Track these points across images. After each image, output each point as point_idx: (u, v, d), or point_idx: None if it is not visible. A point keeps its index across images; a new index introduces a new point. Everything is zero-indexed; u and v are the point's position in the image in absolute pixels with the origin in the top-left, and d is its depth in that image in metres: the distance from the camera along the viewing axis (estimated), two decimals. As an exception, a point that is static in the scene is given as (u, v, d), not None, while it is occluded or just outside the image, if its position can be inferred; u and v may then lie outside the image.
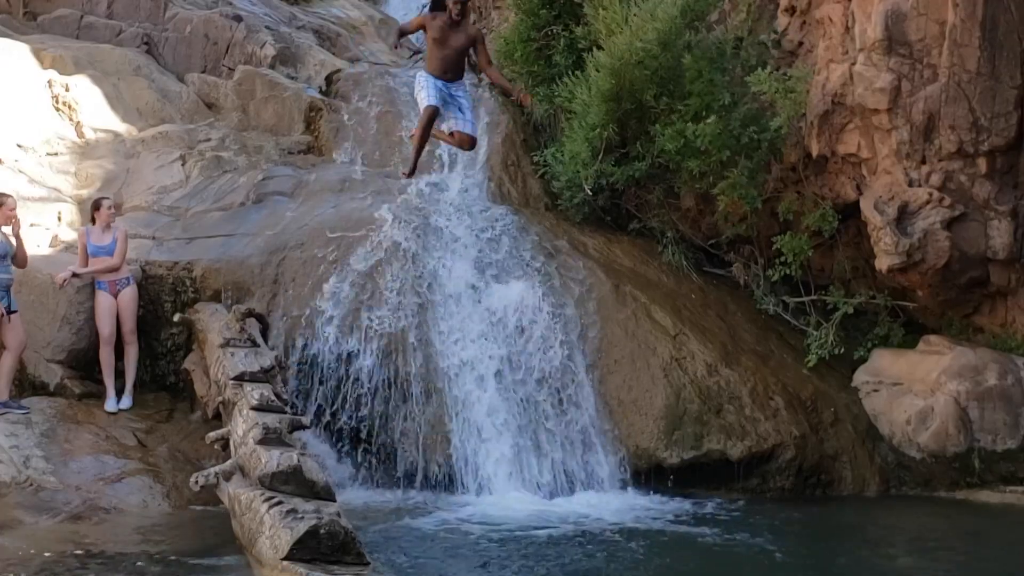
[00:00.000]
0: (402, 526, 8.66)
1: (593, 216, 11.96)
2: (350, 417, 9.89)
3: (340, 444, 9.91)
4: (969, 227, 10.21)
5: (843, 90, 10.43)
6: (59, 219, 11.48)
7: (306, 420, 9.07)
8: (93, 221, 10.29)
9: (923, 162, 10.21)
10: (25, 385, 9.64)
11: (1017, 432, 10.02)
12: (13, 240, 9.61)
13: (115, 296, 9.99)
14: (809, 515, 9.55)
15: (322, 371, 9.99)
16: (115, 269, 10.03)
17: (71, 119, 13.26)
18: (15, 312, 9.51)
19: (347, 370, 9.98)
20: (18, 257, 9.58)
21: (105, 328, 9.92)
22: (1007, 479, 10.01)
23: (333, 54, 15.96)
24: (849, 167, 10.78)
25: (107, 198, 10.54)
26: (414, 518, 8.93)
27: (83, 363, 10.15)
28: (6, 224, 9.61)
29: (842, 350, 10.74)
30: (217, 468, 8.00)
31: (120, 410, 9.85)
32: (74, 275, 9.94)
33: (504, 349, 10.33)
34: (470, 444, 9.82)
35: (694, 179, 11.14)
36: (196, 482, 7.96)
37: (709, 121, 10.44)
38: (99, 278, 10.01)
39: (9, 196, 9.80)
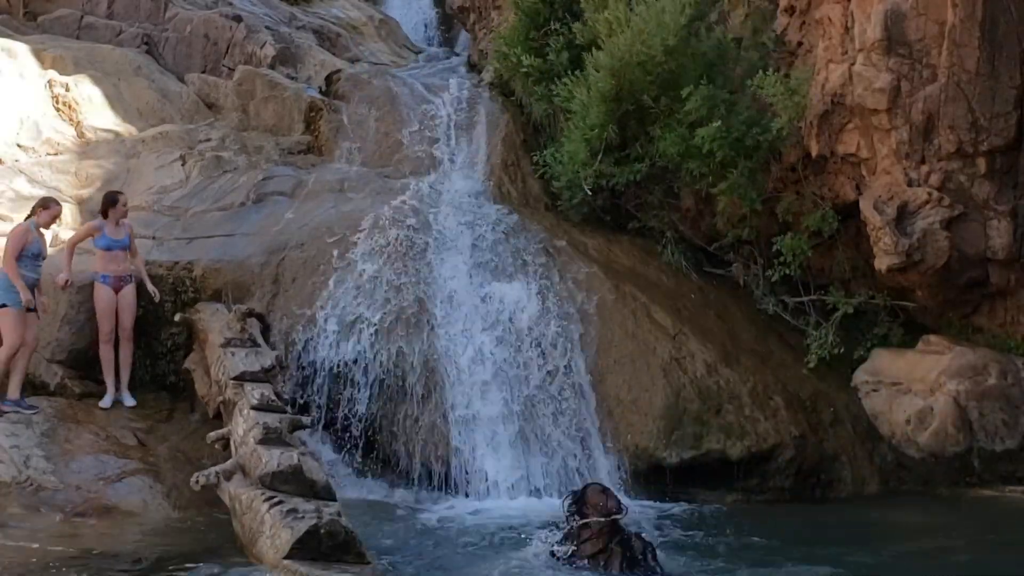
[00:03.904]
0: (402, 525, 8.67)
1: (593, 216, 11.97)
2: (350, 417, 9.89)
3: (340, 444, 9.91)
4: (968, 227, 10.20)
5: (842, 90, 10.43)
6: (59, 219, 11.47)
7: (306, 420, 9.09)
8: (104, 215, 10.27)
9: (922, 162, 10.21)
10: (25, 385, 9.64)
11: (1017, 432, 10.02)
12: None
13: (116, 292, 10.00)
14: (808, 515, 9.55)
15: (322, 371, 9.99)
16: (115, 264, 10.07)
17: (71, 119, 13.29)
18: (35, 311, 9.59)
19: (347, 370, 9.98)
20: None
21: (106, 324, 9.93)
22: (1007, 479, 10.00)
23: (333, 54, 16.01)
24: (848, 167, 10.78)
25: (122, 193, 10.56)
26: (414, 517, 8.94)
27: (83, 363, 10.16)
28: (46, 227, 9.88)
29: (842, 350, 10.74)
30: (218, 468, 8.01)
31: (127, 407, 9.89)
32: (67, 281, 9.95)
33: (503, 349, 10.34)
34: (470, 443, 9.82)
35: (694, 179, 11.15)
36: (197, 482, 7.97)
37: (713, 125, 10.43)
38: (104, 272, 10.02)
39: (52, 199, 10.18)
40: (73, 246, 10.16)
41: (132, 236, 10.26)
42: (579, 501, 7.26)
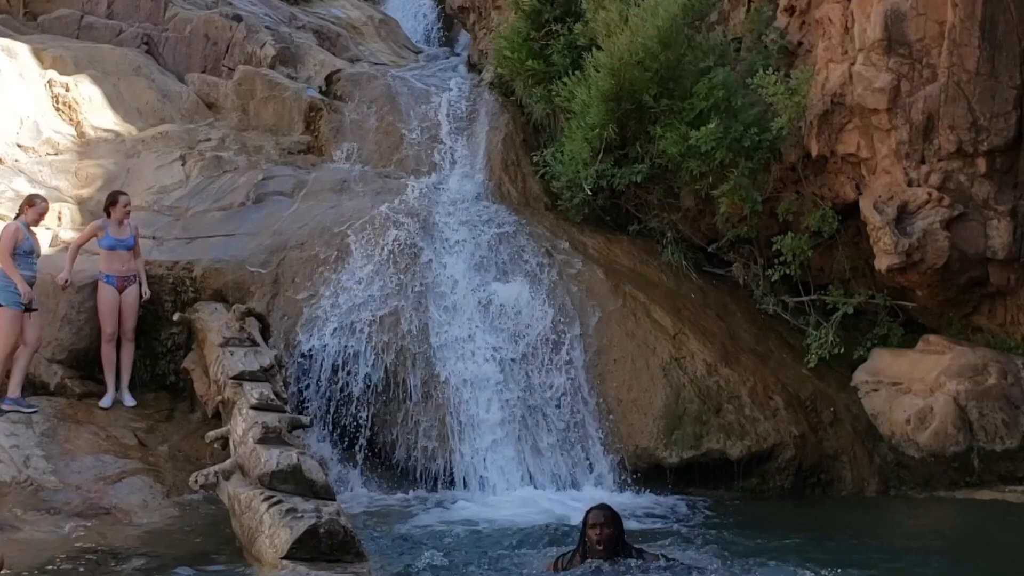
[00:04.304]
0: (402, 525, 8.66)
1: (593, 216, 11.97)
2: (350, 416, 9.89)
3: (340, 443, 9.90)
4: (968, 227, 10.20)
5: (842, 90, 10.43)
6: (59, 219, 11.47)
7: (306, 419, 9.07)
8: (108, 214, 10.27)
9: (922, 162, 10.21)
10: (25, 385, 9.64)
11: (1016, 431, 10.01)
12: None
13: (120, 292, 9.99)
14: (808, 515, 9.54)
15: (322, 370, 9.99)
16: (119, 263, 10.07)
17: (71, 119, 13.28)
18: (35, 311, 9.57)
19: (347, 369, 9.98)
20: None
21: (108, 325, 9.92)
22: (1006, 478, 9.99)
23: (333, 54, 15.97)
24: (848, 167, 10.78)
25: (124, 193, 10.55)
26: (414, 517, 8.93)
27: (83, 363, 10.15)
28: (35, 224, 9.81)
29: (842, 350, 10.74)
30: (217, 467, 8.00)
31: (127, 407, 9.88)
32: (67, 281, 9.94)
33: (504, 349, 10.33)
34: (470, 443, 9.82)
35: (694, 179, 11.15)
36: (196, 481, 7.96)
37: (711, 126, 10.44)
38: (108, 272, 10.01)
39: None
40: (78, 247, 10.15)
41: (137, 236, 10.24)
42: (583, 523, 7.09)
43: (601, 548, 6.83)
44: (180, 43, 15.61)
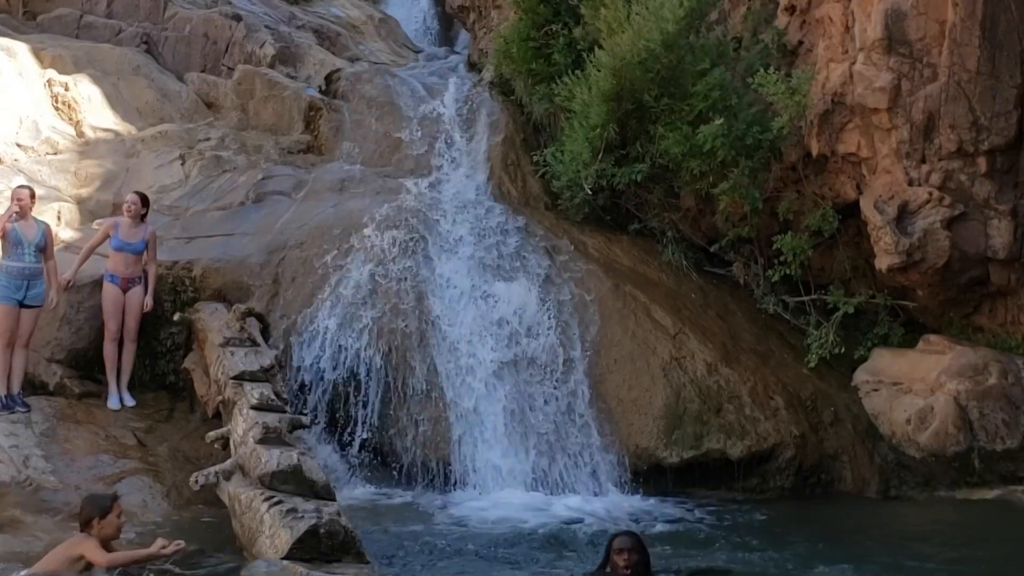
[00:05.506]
0: (402, 525, 8.65)
1: (593, 216, 11.96)
2: (349, 416, 9.88)
3: (340, 443, 9.89)
4: (969, 226, 10.20)
5: (843, 89, 10.43)
6: (59, 218, 11.46)
7: (306, 419, 9.07)
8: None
9: (923, 161, 10.20)
10: (25, 384, 9.62)
11: (1017, 431, 9.99)
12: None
13: (124, 292, 9.96)
14: (809, 515, 9.54)
15: (321, 370, 9.98)
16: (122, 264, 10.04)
17: (71, 118, 13.28)
18: (38, 307, 9.52)
19: (347, 369, 9.96)
20: None
21: (112, 323, 9.90)
22: (1007, 478, 9.99)
23: (333, 53, 15.98)
24: (849, 166, 10.78)
25: (133, 193, 10.47)
26: (413, 517, 8.92)
27: (83, 363, 10.14)
28: (22, 213, 9.58)
29: (842, 350, 10.73)
30: (217, 467, 7.99)
31: (126, 407, 9.84)
32: (69, 282, 9.91)
33: (504, 348, 10.33)
34: (470, 443, 9.81)
35: (695, 179, 11.14)
36: (196, 481, 7.95)
37: (716, 123, 10.43)
38: (113, 272, 9.99)
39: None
40: (91, 249, 10.11)
41: (151, 241, 10.15)
42: (607, 547, 6.84)
43: (629, 574, 6.67)
44: (179, 42, 15.61)
